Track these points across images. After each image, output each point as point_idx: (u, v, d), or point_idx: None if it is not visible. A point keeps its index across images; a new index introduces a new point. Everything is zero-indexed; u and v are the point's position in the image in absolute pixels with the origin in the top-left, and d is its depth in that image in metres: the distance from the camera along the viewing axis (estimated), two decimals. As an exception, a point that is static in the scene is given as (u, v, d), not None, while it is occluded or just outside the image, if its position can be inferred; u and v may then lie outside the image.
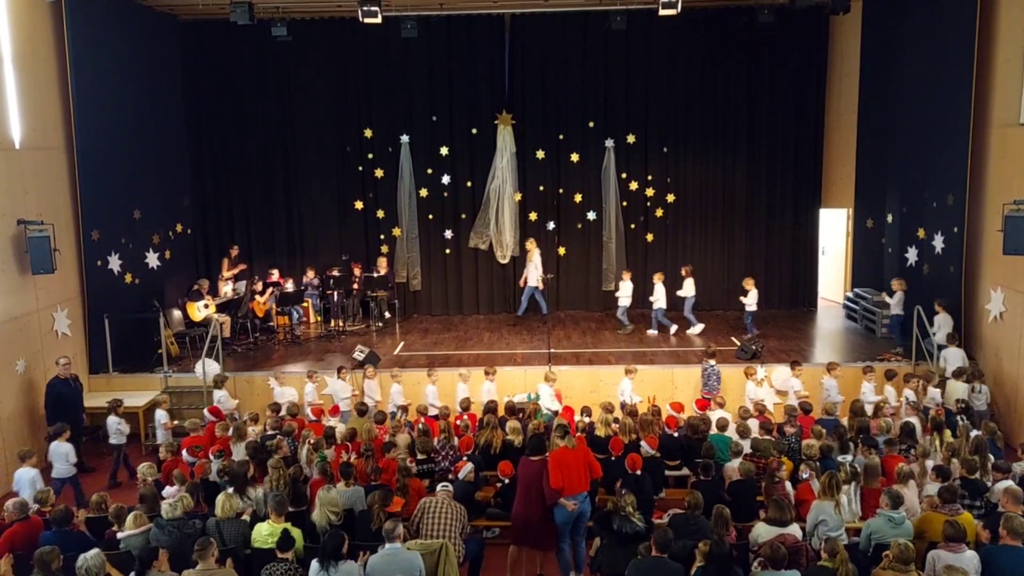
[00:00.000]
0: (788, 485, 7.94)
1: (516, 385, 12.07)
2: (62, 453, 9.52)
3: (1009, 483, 7.40)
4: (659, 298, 14.30)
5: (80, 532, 7.21)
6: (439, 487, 7.44)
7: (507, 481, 8.26)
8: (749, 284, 13.91)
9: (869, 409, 10.12)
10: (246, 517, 7.39)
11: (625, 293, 14.62)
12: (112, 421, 10.58)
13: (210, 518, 7.23)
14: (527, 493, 7.50)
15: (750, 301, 13.84)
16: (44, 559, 6.14)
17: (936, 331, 12.04)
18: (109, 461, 10.78)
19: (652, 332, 14.42)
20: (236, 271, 15.39)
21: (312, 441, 8.99)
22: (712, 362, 11.77)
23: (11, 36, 11.05)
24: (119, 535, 6.96)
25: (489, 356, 13.35)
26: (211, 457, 8.82)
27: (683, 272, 14.60)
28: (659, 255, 16.37)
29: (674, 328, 14.32)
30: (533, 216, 16.32)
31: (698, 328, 14.37)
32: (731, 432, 9.24)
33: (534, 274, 14.98)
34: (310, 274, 15.80)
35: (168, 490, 8.20)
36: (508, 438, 9.13)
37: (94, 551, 6.12)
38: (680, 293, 14.45)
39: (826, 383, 11.16)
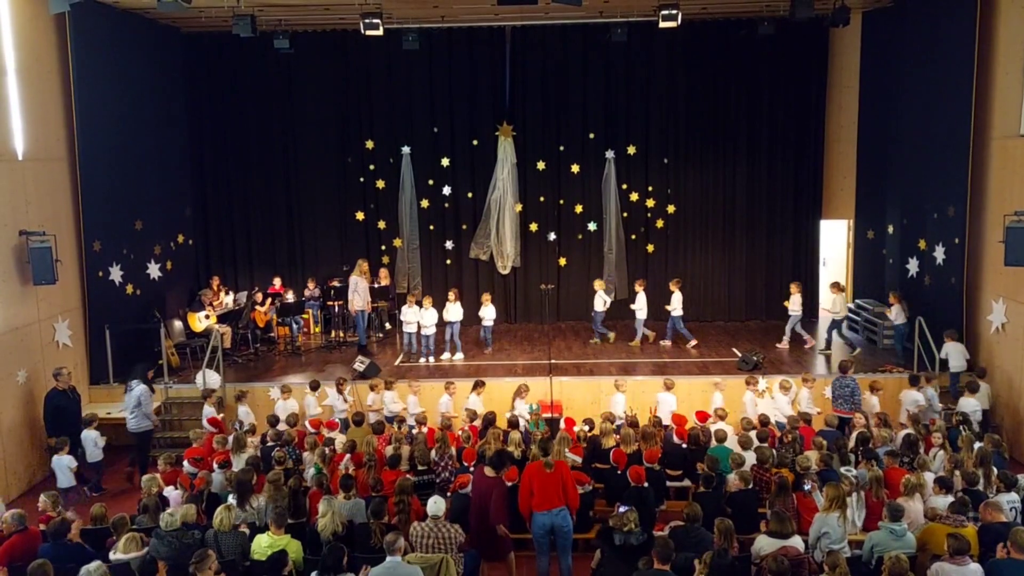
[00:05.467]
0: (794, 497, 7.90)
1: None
2: (63, 465, 9.74)
3: (997, 497, 7.36)
4: (429, 324, 13.82)
5: (78, 544, 7.18)
6: (429, 505, 7.13)
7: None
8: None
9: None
10: (244, 529, 7.37)
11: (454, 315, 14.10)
12: (90, 436, 10.47)
13: (209, 530, 7.20)
14: (477, 504, 7.59)
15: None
16: (37, 572, 6.11)
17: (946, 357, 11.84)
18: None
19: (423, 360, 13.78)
20: (219, 300, 14.87)
21: (325, 453, 8.94)
22: (851, 377, 11.16)
23: (15, 47, 11.10)
24: (110, 556, 6.86)
25: (490, 367, 13.34)
26: (215, 468, 8.79)
27: (450, 296, 14.24)
28: (660, 266, 16.37)
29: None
30: (534, 227, 16.33)
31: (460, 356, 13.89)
32: (732, 444, 9.22)
33: (360, 299, 14.27)
34: (311, 286, 15.78)
35: (169, 491, 8.17)
36: (509, 449, 9.08)
37: (96, 563, 6.09)
38: (447, 317, 14.00)
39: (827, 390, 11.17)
